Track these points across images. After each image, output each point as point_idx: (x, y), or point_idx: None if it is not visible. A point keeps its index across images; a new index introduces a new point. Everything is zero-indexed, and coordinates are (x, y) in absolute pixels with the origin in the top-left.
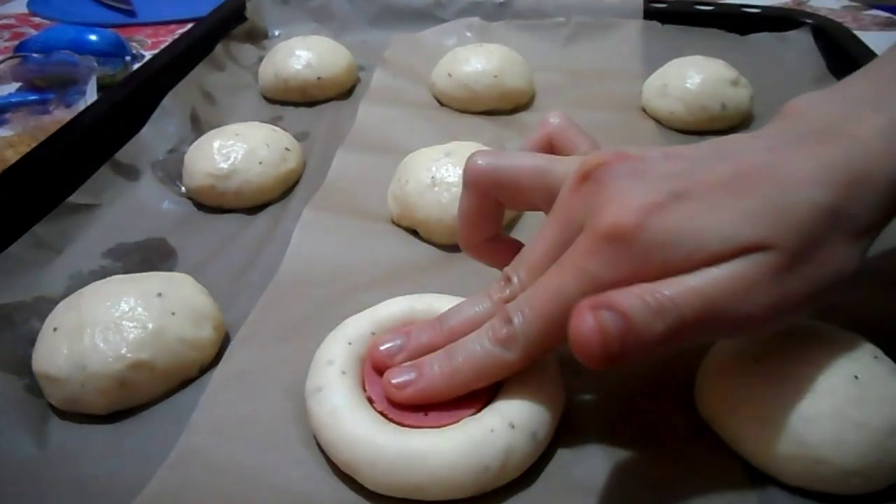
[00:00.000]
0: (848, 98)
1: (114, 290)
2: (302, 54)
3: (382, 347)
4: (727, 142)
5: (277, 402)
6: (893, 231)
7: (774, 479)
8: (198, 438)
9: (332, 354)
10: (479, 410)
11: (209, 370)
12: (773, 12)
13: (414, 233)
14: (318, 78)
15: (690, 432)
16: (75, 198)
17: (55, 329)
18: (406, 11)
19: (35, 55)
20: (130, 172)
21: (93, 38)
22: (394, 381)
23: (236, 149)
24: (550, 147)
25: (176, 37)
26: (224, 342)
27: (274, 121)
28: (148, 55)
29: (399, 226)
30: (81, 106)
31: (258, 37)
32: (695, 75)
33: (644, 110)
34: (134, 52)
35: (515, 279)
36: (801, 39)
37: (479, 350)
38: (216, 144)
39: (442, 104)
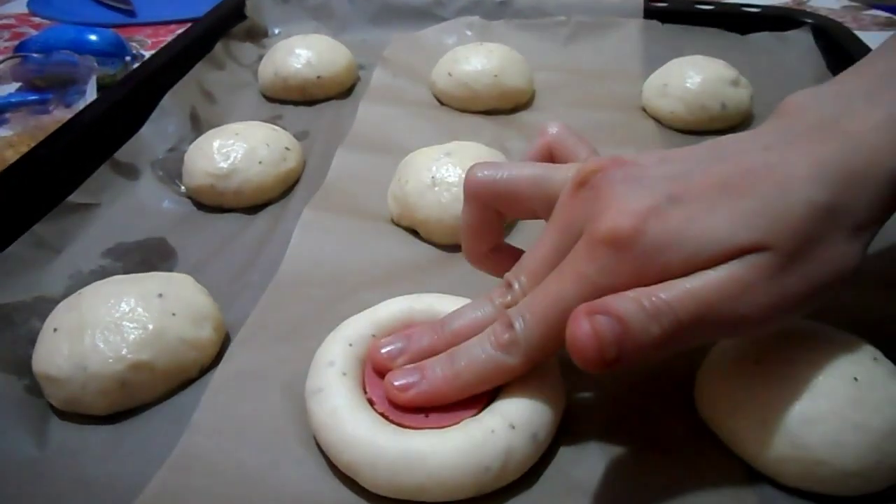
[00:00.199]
0: (843, 94)
1: (114, 290)
2: (302, 53)
3: (383, 350)
4: (723, 142)
5: (278, 402)
6: (893, 232)
7: (774, 480)
8: (198, 439)
9: (332, 355)
10: (479, 412)
11: (209, 371)
12: (773, 12)
13: (414, 233)
14: (318, 77)
15: (690, 433)
16: (75, 197)
17: (55, 329)
18: (406, 10)
19: (35, 55)
20: (130, 172)
21: (93, 38)
22: (396, 384)
23: (236, 148)
24: (550, 156)
25: (175, 36)
26: (224, 343)
27: (273, 120)
28: (148, 55)
29: (399, 226)
30: (81, 106)
31: (258, 35)
32: (695, 75)
33: (644, 110)
34: (134, 52)
35: (516, 285)
36: (801, 39)
37: (481, 354)
38: (216, 144)
39: (442, 103)
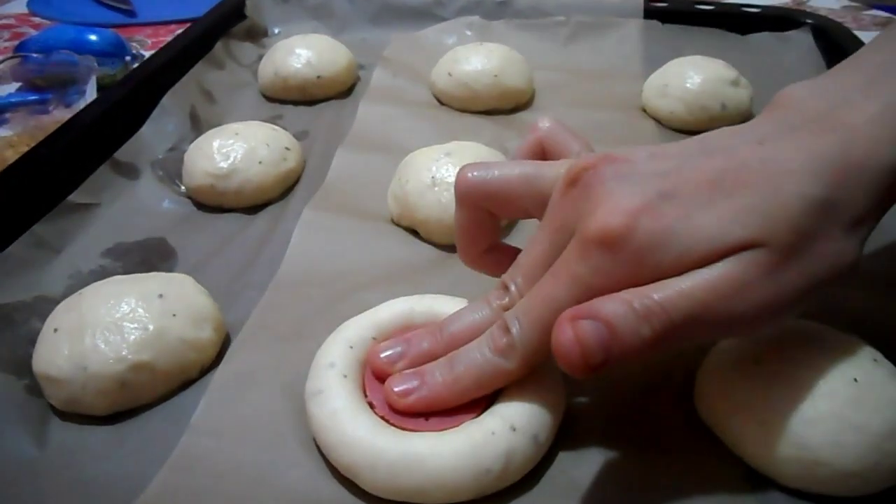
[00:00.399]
0: (840, 85)
1: (114, 290)
2: (302, 53)
3: (383, 355)
4: (715, 136)
5: (278, 403)
6: (893, 232)
7: (773, 480)
8: (198, 440)
9: (332, 357)
10: (479, 415)
11: (210, 371)
12: (773, 12)
13: (414, 233)
14: (318, 76)
15: (690, 434)
16: (75, 197)
17: (56, 330)
18: (406, 10)
19: (35, 55)
20: (130, 171)
21: (93, 38)
22: (396, 389)
23: (236, 148)
24: (543, 152)
25: (175, 36)
26: (225, 343)
27: (273, 119)
28: (148, 55)
29: (399, 226)
30: (81, 106)
31: (258, 35)
32: (695, 75)
33: (644, 110)
34: (134, 52)
35: (513, 287)
36: (801, 39)
37: (479, 359)
38: (216, 144)
39: (442, 103)
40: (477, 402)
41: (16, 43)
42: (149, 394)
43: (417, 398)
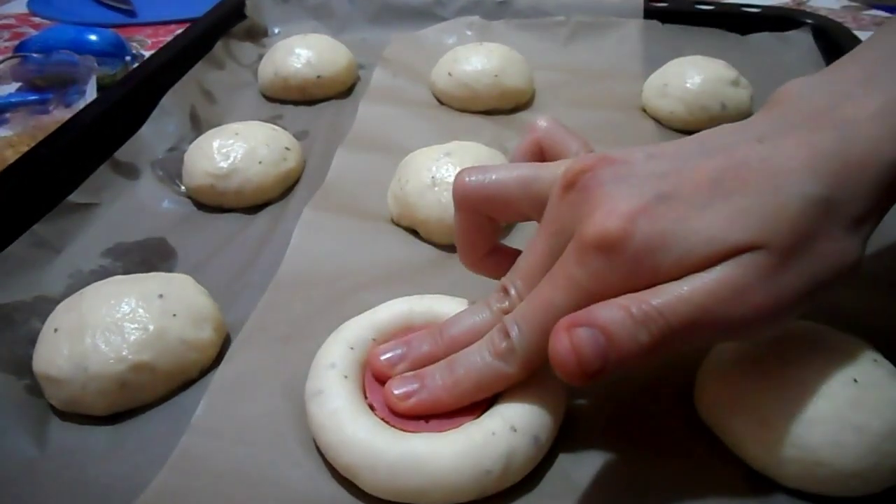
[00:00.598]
0: (840, 81)
1: (115, 290)
2: (302, 53)
3: (383, 357)
4: (715, 134)
5: (278, 403)
6: (893, 232)
7: (774, 481)
8: (198, 440)
9: (333, 357)
10: (479, 417)
11: (210, 371)
12: (773, 12)
13: (414, 233)
14: (318, 76)
15: (690, 435)
16: (75, 197)
17: (56, 330)
18: (406, 10)
19: (35, 55)
20: (130, 171)
21: (93, 38)
22: (396, 392)
23: (236, 148)
24: (541, 152)
25: (175, 36)
26: (225, 343)
27: (273, 119)
28: (148, 55)
29: (399, 226)
30: (81, 106)
31: (258, 35)
32: (695, 75)
33: (644, 110)
34: (134, 52)
35: (512, 290)
36: (801, 39)
37: (479, 362)
38: (216, 144)
39: (442, 103)
40: (477, 405)
41: (16, 43)
42: (149, 394)
43: (417, 401)
